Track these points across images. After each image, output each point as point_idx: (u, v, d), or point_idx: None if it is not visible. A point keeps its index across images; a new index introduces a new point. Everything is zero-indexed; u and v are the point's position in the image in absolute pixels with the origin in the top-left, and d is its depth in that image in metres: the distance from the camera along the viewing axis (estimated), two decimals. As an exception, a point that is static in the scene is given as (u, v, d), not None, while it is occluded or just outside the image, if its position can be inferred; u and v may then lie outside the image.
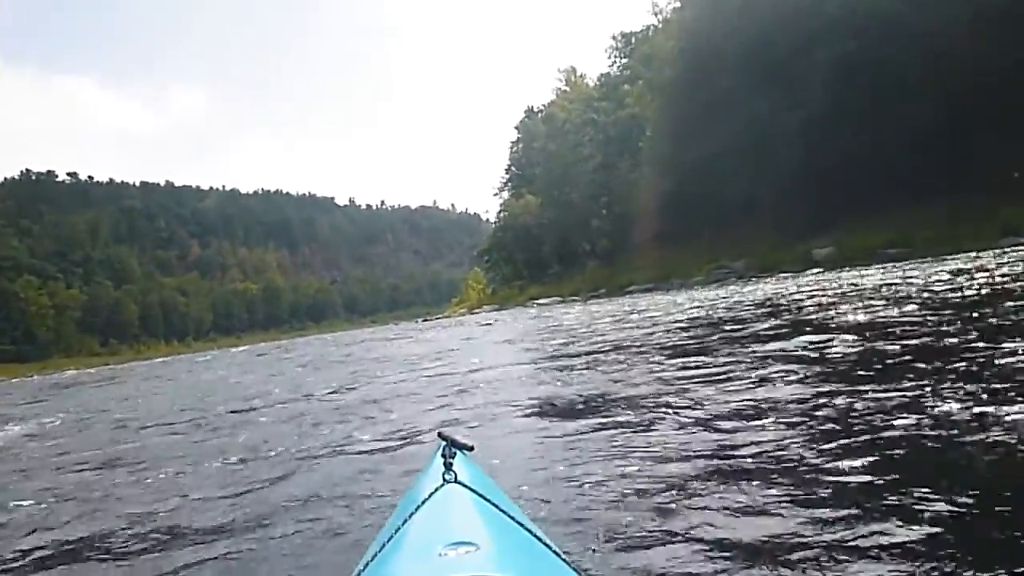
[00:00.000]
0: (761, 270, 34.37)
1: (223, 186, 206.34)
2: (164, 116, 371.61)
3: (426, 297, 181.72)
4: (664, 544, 2.10)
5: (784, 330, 7.57)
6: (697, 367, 5.56)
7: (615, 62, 58.38)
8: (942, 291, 9.57)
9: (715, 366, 5.43)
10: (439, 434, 1.64)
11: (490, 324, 23.65)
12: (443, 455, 1.47)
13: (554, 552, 1.07)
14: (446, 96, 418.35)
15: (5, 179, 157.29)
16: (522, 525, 1.16)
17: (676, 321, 11.83)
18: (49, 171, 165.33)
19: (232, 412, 7.33)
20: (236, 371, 16.53)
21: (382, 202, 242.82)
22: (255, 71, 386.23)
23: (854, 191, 34.97)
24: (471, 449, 1.60)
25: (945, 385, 3.58)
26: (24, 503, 3.92)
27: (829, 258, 31.54)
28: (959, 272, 13.04)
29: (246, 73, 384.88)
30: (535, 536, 1.12)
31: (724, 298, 17.29)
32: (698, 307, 15.15)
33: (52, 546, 2.98)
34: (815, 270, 28.42)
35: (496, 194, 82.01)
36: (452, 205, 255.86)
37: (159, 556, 2.58)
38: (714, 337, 8.24)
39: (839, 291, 12.93)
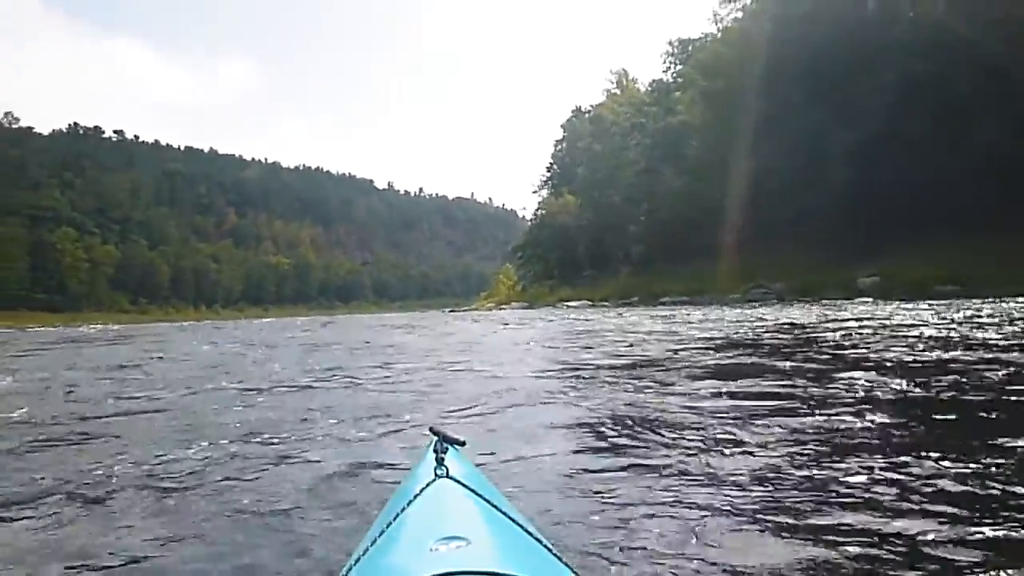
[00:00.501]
0: (801, 294, 33.18)
1: (265, 159, 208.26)
2: (211, 86, 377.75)
3: (455, 288, 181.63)
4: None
5: (830, 364, 6.74)
6: (741, 394, 4.89)
7: (669, 67, 57.27)
8: (1006, 339, 8.60)
9: (759, 395, 4.80)
10: (431, 429, 1.63)
11: (520, 324, 22.87)
12: (435, 450, 1.47)
13: (545, 547, 1.07)
14: (492, 90, 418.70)
15: (53, 131, 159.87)
16: (513, 520, 1.15)
17: (712, 339, 11.01)
18: (96, 127, 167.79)
19: (222, 389, 6.67)
20: (252, 345, 15.96)
21: (420, 189, 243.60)
22: (304, 50, 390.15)
23: (905, 218, 33.69)
24: (463, 444, 1.62)
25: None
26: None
27: (875, 288, 30.30)
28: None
29: (295, 51, 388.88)
30: (526, 531, 1.12)
31: (761, 320, 16.38)
32: (735, 326, 14.27)
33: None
34: (861, 299, 27.25)
35: (535, 191, 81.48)
36: (489, 199, 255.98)
37: (136, 548, 2.36)
38: (755, 360, 7.46)
39: (888, 325, 11.99)
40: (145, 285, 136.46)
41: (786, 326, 13.24)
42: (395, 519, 1.14)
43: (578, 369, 7.27)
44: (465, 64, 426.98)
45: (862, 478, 2.70)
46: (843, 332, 11.02)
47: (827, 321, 14.21)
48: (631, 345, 10.19)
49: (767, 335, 11.36)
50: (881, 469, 2.79)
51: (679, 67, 55.58)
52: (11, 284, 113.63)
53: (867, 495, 2.51)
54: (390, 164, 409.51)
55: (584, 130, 71.23)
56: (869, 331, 11.16)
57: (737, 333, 11.96)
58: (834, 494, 2.55)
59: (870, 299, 27.19)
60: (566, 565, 1.02)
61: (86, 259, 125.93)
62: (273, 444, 3.89)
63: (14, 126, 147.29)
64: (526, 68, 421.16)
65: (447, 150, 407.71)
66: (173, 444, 3.93)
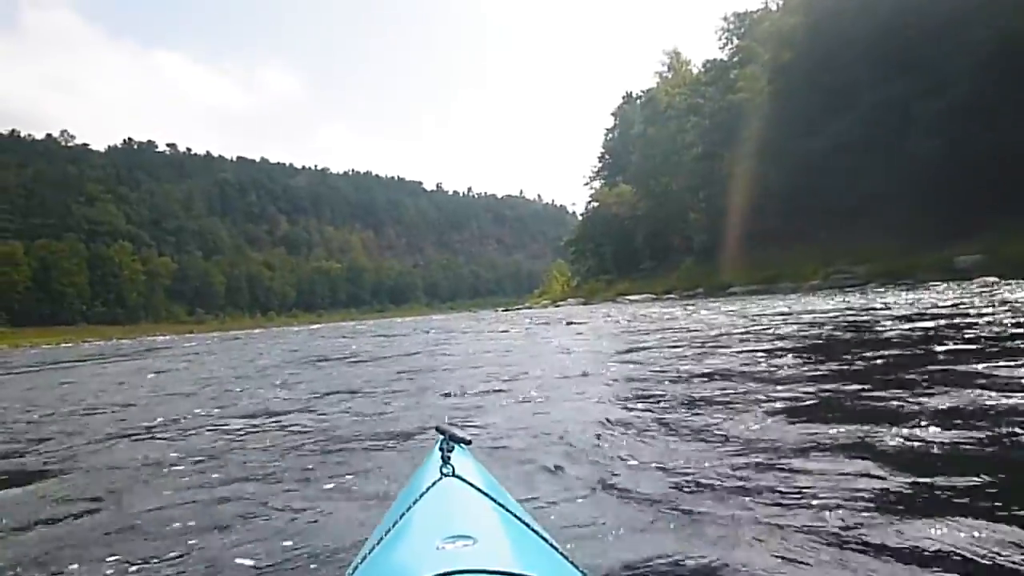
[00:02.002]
0: (890, 278, 30.01)
1: (315, 165, 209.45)
2: (258, 96, 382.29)
3: (506, 287, 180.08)
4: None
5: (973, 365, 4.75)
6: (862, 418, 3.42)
7: (726, 43, 53.73)
8: None
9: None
10: (437, 428, 1.64)
11: (577, 322, 20.42)
12: (441, 449, 1.47)
13: (552, 546, 1.07)
14: (538, 86, 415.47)
15: (108, 147, 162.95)
16: (520, 519, 1.15)
17: (806, 337, 8.63)
18: (149, 141, 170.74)
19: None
20: (301, 352, 14.01)
21: (469, 189, 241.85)
22: (346, 56, 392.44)
23: (1007, 190, 30.19)
24: (469, 443, 1.61)
25: None
26: None
27: (978, 267, 26.98)
28: None
29: (337, 57, 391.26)
30: (533, 530, 1.11)
31: (853, 310, 13.72)
32: (826, 319, 11.72)
33: None
34: (968, 281, 24.06)
35: (587, 183, 78.97)
36: (538, 195, 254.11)
37: (143, 545, 2.40)
38: (864, 365, 5.58)
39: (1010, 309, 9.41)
40: (201, 294, 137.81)
41: (884, 318, 10.59)
42: (401, 517, 1.14)
43: (666, 385, 5.14)
44: (511, 63, 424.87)
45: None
46: (955, 321, 8.44)
47: (930, 310, 11.50)
48: (717, 348, 7.81)
49: (864, 329, 8.83)
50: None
51: (737, 42, 52.18)
52: (71, 299, 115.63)
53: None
54: (438, 165, 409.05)
55: (637, 116, 68.38)
56: (969, 315, 8.63)
57: (827, 329, 9.38)
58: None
59: (977, 279, 23.99)
60: (573, 565, 1.02)
61: (143, 271, 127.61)
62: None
63: (70, 144, 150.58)
64: (571, 59, 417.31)
65: (494, 148, 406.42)
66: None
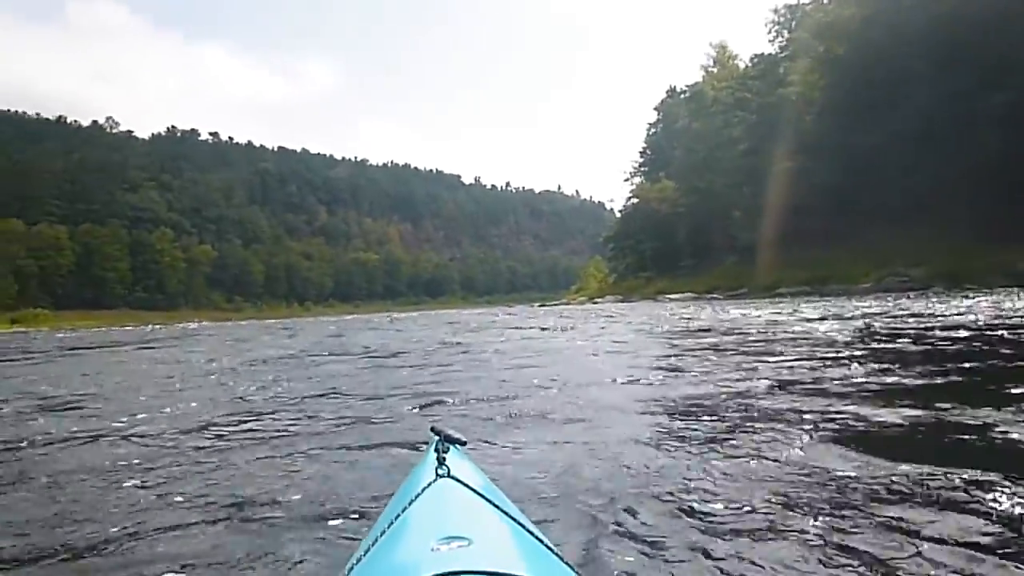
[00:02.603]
0: (950, 281, 28.48)
1: (354, 157, 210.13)
2: (299, 87, 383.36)
3: (542, 282, 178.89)
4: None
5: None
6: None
7: (775, 36, 51.91)
8: None
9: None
10: (432, 428, 1.62)
11: (618, 322, 19.41)
12: (436, 450, 1.46)
13: (547, 547, 1.07)
14: (578, 80, 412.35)
15: (152, 135, 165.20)
16: (516, 520, 1.16)
17: (874, 346, 7.69)
18: (192, 129, 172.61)
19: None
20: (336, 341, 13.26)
21: (507, 183, 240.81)
22: (387, 48, 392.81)
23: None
24: (464, 444, 1.61)
25: None
26: None
27: (1048, 272, 25.43)
28: None
29: (378, 49, 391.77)
30: (529, 531, 1.12)
31: (920, 316, 12.57)
32: (892, 325, 10.67)
33: None
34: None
35: (627, 179, 77.57)
36: (576, 191, 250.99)
37: (134, 545, 2.33)
38: (949, 381, 4.92)
39: None
40: (240, 283, 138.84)
41: (958, 325, 9.43)
42: (396, 519, 1.14)
43: (725, 407, 4.36)
44: (550, 54, 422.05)
45: None
46: None
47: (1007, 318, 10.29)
48: (777, 355, 6.83)
49: (938, 340, 7.74)
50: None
51: (787, 35, 50.35)
52: (112, 284, 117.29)
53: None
54: (476, 159, 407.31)
55: (681, 111, 66.81)
56: None
57: (895, 340, 8.27)
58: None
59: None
60: (568, 565, 1.02)
61: (183, 258, 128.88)
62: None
63: (114, 131, 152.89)
64: (612, 53, 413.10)
65: (533, 143, 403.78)
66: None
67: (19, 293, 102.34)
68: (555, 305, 57.49)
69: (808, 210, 43.52)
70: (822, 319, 13.34)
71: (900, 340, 8.18)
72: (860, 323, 11.51)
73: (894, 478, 2.53)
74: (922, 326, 10.11)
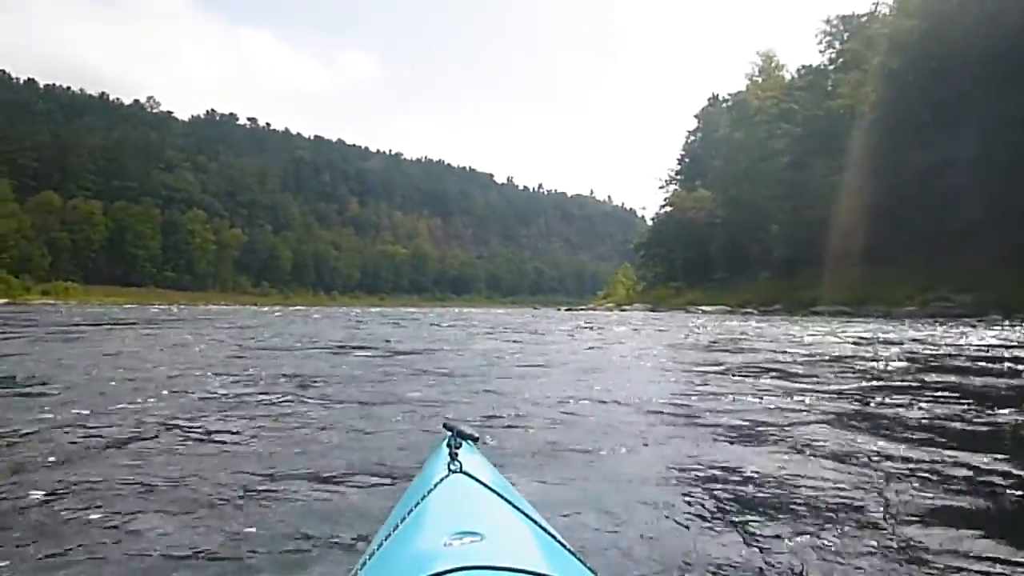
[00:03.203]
0: (1000, 309, 27.02)
1: (389, 150, 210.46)
2: (338, 78, 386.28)
3: (568, 286, 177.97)
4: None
5: None
6: None
7: (826, 47, 50.29)
8: None
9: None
10: (444, 424, 1.61)
11: (651, 333, 18.39)
12: (448, 445, 1.47)
13: (560, 543, 1.06)
14: (614, 85, 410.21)
15: (191, 116, 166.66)
16: (528, 516, 1.15)
17: (933, 378, 6.70)
18: (231, 113, 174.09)
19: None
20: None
21: (539, 185, 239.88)
22: (427, 44, 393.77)
23: None
24: (476, 439, 1.60)
25: None
26: None
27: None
28: None
29: (418, 46, 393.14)
30: (541, 527, 1.11)
31: (977, 346, 11.50)
32: (950, 354, 9.59)
33: None
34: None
35: (663, 186, 76.17)
36: (608, 196, 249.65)
37: (152, 530, 2.31)
38: None
39: None
40: (268, 268, 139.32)
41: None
42: (409, 514, 1.14)
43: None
44: (589, 59, 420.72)
45: None
46: None
47: None
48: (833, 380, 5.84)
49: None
50: None
51: (839, 45, 48.78)
52: (143, 262, 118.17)
53: None
54: (510, 159, 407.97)
55: (722, 119, 65.33)
56: None
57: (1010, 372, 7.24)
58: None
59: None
60: (582, 562, 1.02)
61: (214, 241, 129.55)
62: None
63: (155, 111, 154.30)
64: (652, 60, 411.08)
65: (567, 146, 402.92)
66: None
67: (51, 265, 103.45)
68: (582, 310, 56.46)
69: (851, 228, 42.06)
70: (887, 343, 12.25)
71: (963, 372, 7.16)
72: (919, 350, 10.45)
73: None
74: (980, 354, 9.05)
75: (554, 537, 1.07)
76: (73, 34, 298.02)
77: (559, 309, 61.42)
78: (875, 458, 3.26)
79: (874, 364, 8.28)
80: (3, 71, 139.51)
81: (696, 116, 76.69)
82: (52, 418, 4.10)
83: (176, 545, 2.16)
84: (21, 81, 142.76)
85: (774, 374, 7.17)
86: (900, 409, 4.73)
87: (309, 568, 2.01)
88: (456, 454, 1.36)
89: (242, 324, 19.73)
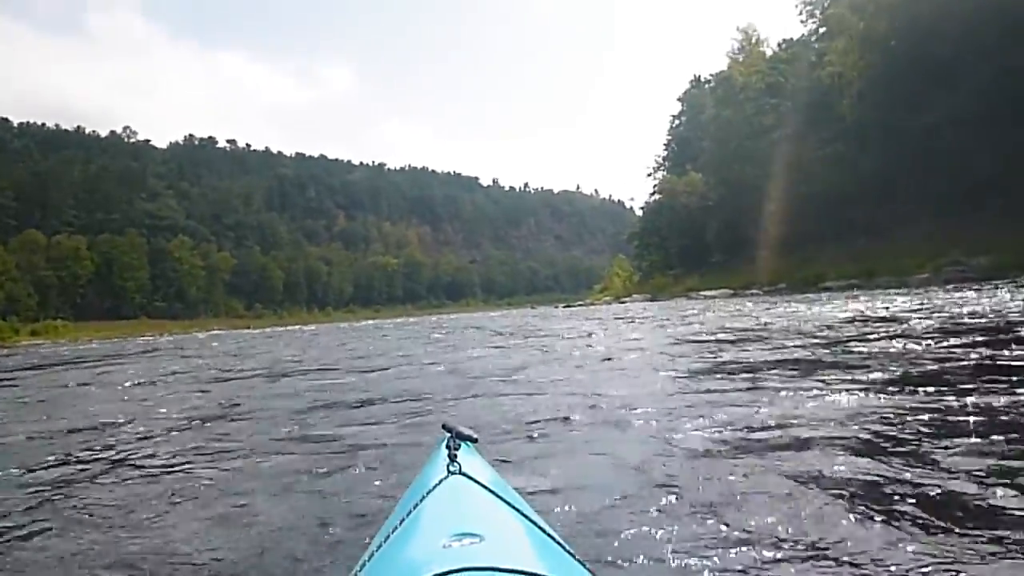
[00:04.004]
0: (1021, 270, 25.80)
1: (372, 161, 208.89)
2: (316, 92, 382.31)
3: (564, 283, 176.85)
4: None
5: None
6: None
7: (808, 17, 48.87)
8: None
9: None
10: (443, 425, 1.61)
11: (665, 323, 17.12)
12: (448, 446, 1.47)
13: (559, 544, 1.06)
14: (593, 79, 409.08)
15: (170, 143, 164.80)
16: (527, 517, 1.16)
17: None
18: (210, 137, 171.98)
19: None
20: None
21: (526, 184, 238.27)
22: (403, 52, 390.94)
23: None
24: (475, 441, 1.60)
25: None
26: None
27: None
28: None
29: (394, 54, 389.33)
30: (540, 528, 1.11)
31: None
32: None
33: None
34: None
35: (650, 174, 74.92)
36: (595, 191, 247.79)
37: (159, 531, 2.42)
38: None
39: None
40: (260, 289, 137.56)
41: None
42: (409, 515, 1.14)
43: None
44: (565, 54, 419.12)
45: None
46: None
47: None
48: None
49: None
50: None
51: (820, 14, 47.46)
52: (132, 293, 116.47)
53: None
54: (494, 160, 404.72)
55: (707, 100, 64.08)
56: None
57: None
58: None
59: None
60: (580, 563, 1.02)
61: (202, 266, 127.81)
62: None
63: (132, 140, 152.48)
64: (629, 51, 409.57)
65: (551, 143, 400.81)
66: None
67: (39, 304, 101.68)
68: (580, 306, 55.20)
69: (850, 200, 40.94)
70: (912, 314, 10.99)
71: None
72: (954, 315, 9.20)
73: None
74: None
75: (553, 538, 1.06)
76: (45, 70, 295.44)
77: (557, 307, 60.16)
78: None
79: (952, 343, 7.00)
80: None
81: (679, 99, 75.53)
82: None
83: (175, 546, 2.18)
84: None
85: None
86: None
87: (309, 570, 2.00)
88: (455, 455, 1.35)
89: (203, 353, 18.49)
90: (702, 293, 40.57)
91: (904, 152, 37.37)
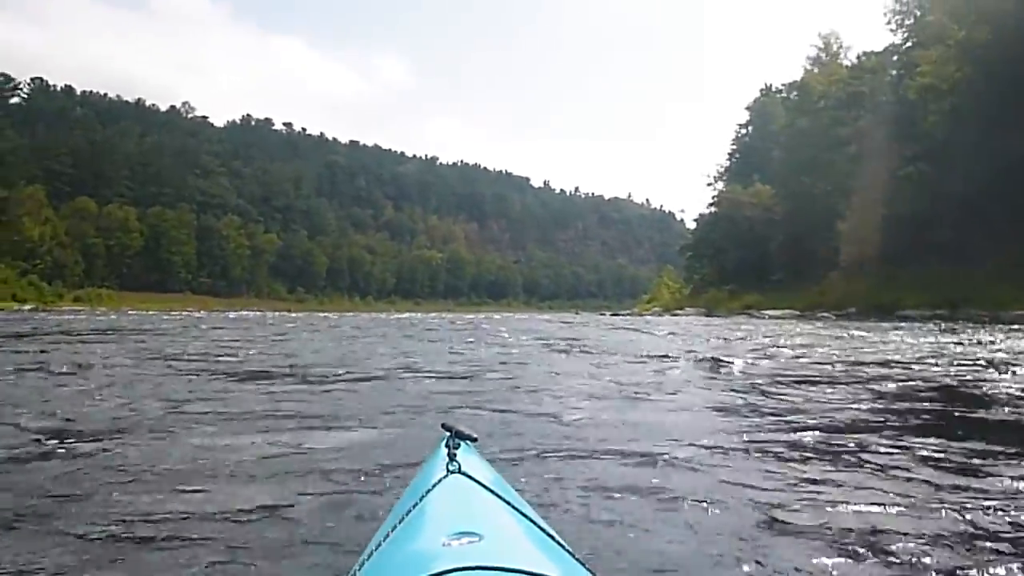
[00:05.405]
0: None
1: (424, 155, 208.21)
2: (372, 83, 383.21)
3: (607, 290, 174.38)
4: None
5: None
6: None
7: (897, 26, 45.58)
8: None
9: None
10: (443, 425, 1.61)
11: (741, 342, 14.82)
12: (447, 445, 1.47)
13: (559, 544, 1.06)
14: (649, 86, 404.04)
15: (227, 122, 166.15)
16: (527, 517, 1.17)
17: None
18: (266, 119, 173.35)
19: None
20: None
21: (576, 188, 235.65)
22: (460, 49, 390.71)
23: None
24: (475, 440, 1.60)
25: None
26: None
27: None
28: None
29: (451, 50, 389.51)
30: (540, 528, 1.12)
31: None
32: None
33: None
34: None
35: (710, 183, 71.94)
36: (646, 200, 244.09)
37: (148, 543, 2.25)
38: None
39: None
40: (303, 274, 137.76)
41: None
42: (408, 514, 1.14)
43: None
44: (621, 59, 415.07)
45: None
46: None
47: None
48: None
49: None
50: None
51: (911, 22, 44.27)
52: (178, 268, 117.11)
53: None
54: (546, 162, 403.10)
55: (777, 111, 61.15)
56: None
57: None
58: None
59: None
60: (580, 562, 1.03)
61: (248, 246, 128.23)
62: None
63: (190, 116, 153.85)
64: (686, 59, 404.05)
65: (603, 148, 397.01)
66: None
67: (86, 272, 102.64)
68: (627, 315, 52.80)
69: (931, 222, 37.83)
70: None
71: None
72: None
73: None
74: None
75: (553, 538, 1.07)
76: (110, 42, 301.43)
77: (604, 314, 57.81)
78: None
79: None
80: (41, 79, 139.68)
81: (747, 108, 72.53)
82: None
83: (174, 548, 2.12)
84: (58, 88, 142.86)
85: None
86: None
87: (308, 569, 1.97)
88: (455, 454, 1.35)
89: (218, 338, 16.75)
90: (765, 312, 37.89)
91: (997, 174, 34.25)
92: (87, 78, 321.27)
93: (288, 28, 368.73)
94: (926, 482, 2.96)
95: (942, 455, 3.46)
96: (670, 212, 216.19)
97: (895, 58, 46.88)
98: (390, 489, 2.66)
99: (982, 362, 8.49)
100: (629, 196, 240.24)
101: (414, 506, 1.16)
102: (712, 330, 20.27)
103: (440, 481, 1.24)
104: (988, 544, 2.23)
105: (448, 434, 1.52)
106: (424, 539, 1.02)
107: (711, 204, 68.61)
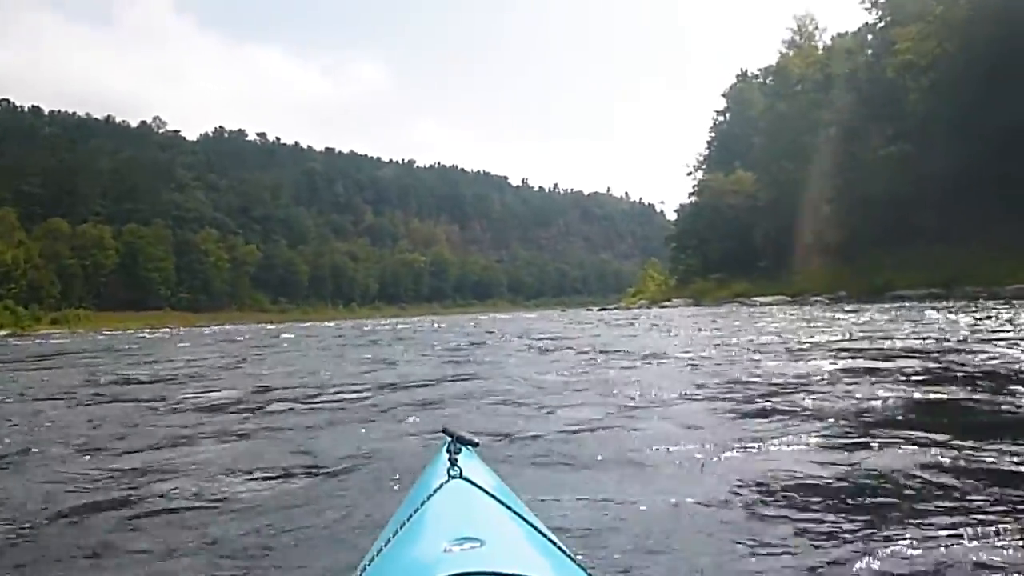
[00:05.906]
0: None
1: (402, 159, 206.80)
2: (348, 88, 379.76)
3: (592, 286, 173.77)
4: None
5: None
6: None
7: (872, 3, 45.02)
8: None
9: None
10: (444, 430, 1.61)
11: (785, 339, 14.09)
12: (448, 451, 1.47)
13: (560, 549, 1.07)
14: (625, 81, 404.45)
15: (200, 135, 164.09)
16: (528, 522, 1.15)
17: None
18: (240, 130, 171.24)
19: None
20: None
21: (555, 185, 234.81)
22: (435, 51, 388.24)
23: None
24: (476, 445, 1.60)
25: None
26: None
27: None
28: None
29: (426, 52, 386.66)
30: (541, 533, 1.12)
31: None
32: None
33: None
34: None
35: (690, 173, 71.43)
36: (626, 193, 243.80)
37: (148, 534, 2.35)
38: None
39: None
40: (285, 284, 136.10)
41: None
42: (409, 520, 1.14)
43: None
44: (596, 53, 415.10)
45: None
46: None
47: None
48: None
49: None
50: None
51: (885, 0, 43.74)
52: (157, 285, 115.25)
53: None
54: (524, 161, 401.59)
55: (755, 96, 60.64)
56: None
57: None
58: None
59: None
60: (582, 568, 1.02)
61: (228, 259, 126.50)
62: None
63: (162, 131, 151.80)
64: (661, 52, 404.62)
65: (581, 145, 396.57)
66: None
67: (62, 293, 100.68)
68: (615, 309, 52.17)
69: (916, 202, 37.46)
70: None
71: None
72: None
73: None
74: None
75: (555, 543, 1.07)
76: (78, 59, 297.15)
77: (590, 310, 57.13)
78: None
79: None
80: (7, 100, 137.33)
81: (724, 95, 72.06)
82: None
83: (174, 549, 2.13)
84: (25, 108, 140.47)
85: None
86: None
87: (309, 573, 1.98)
88: (456, 460, 1.35)
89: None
90: (756, 299, 37.34)
91: (980, 151, 33.84)
92: (54, 97, 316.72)
93: (260, 36, 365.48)
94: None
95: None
96: (651, 205, 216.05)
97: (870, 37, 46.51)
98: (389, 495, 2.64)
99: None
100: (608, 191, 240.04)
101: (415, 512, 1.15)
102: (705, 321, 19.57)
103: (441, 486, 1.23)
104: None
105: (449, 439, 1.51)
106: (425, 545, 1.02)
107: (692, 193, 68.20)
